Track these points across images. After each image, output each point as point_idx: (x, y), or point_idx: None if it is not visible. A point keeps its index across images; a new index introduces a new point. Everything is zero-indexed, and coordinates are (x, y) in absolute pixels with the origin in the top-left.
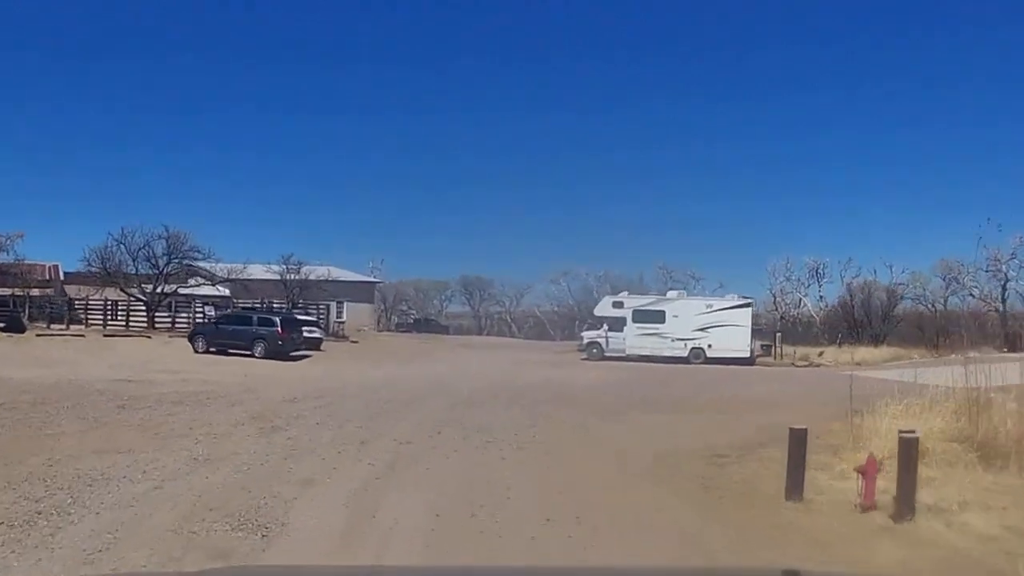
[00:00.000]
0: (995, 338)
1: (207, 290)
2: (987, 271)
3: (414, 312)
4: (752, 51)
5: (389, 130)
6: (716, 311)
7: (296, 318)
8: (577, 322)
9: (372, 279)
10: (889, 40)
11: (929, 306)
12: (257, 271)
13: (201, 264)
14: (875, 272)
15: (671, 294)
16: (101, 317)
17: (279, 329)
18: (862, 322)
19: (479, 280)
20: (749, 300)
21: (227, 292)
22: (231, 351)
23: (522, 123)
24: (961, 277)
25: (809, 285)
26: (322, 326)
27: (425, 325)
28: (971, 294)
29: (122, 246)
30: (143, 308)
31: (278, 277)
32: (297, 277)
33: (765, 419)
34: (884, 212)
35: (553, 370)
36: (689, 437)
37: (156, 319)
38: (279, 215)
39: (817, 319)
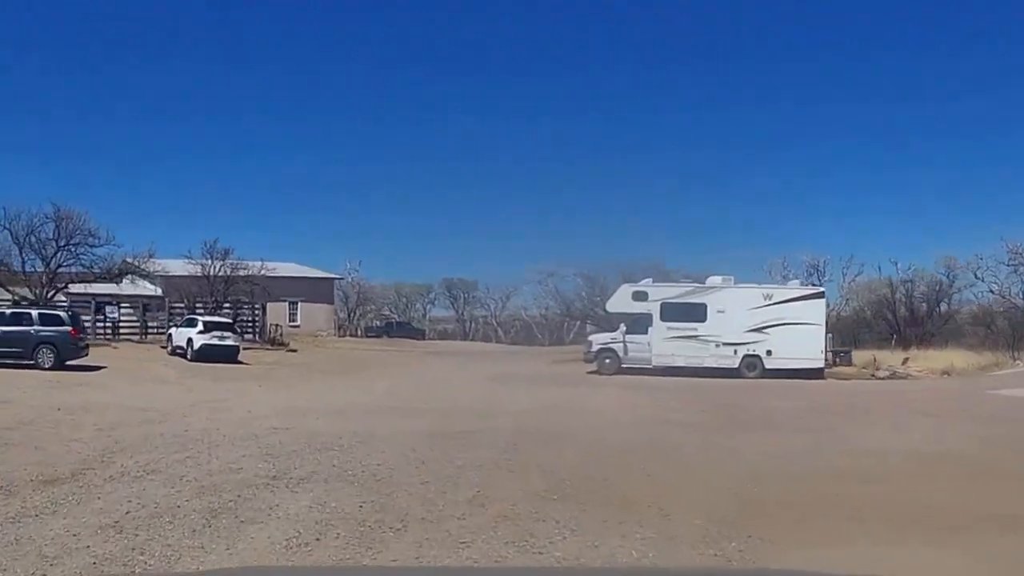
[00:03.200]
0: None
1: (120, 288)
2: (1008, 264)
3: (395, 316)
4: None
5: (367, 131)
6: (778, 304)
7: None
8: (565, 325)
9: (331, 275)
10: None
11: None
12: (176, 267)
13: (98, 252)
14: (879, 269)
15: (714, 280)
16: None
17: (71, 328)
18: (907, 321)
19: (462, 283)
20: (821, 289)
21: (158, 290)
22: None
23: (508, 126)
24: (980, 272)
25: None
26: (249, 330)
27: (398, 329)
28: (991, 290)
29: (7, 231)
30: None
31: (199, 272)
32: (223, 271)
33: None
34: (876, 211)
35: (550, 393)
36: None
37: None
38: (241, 215)
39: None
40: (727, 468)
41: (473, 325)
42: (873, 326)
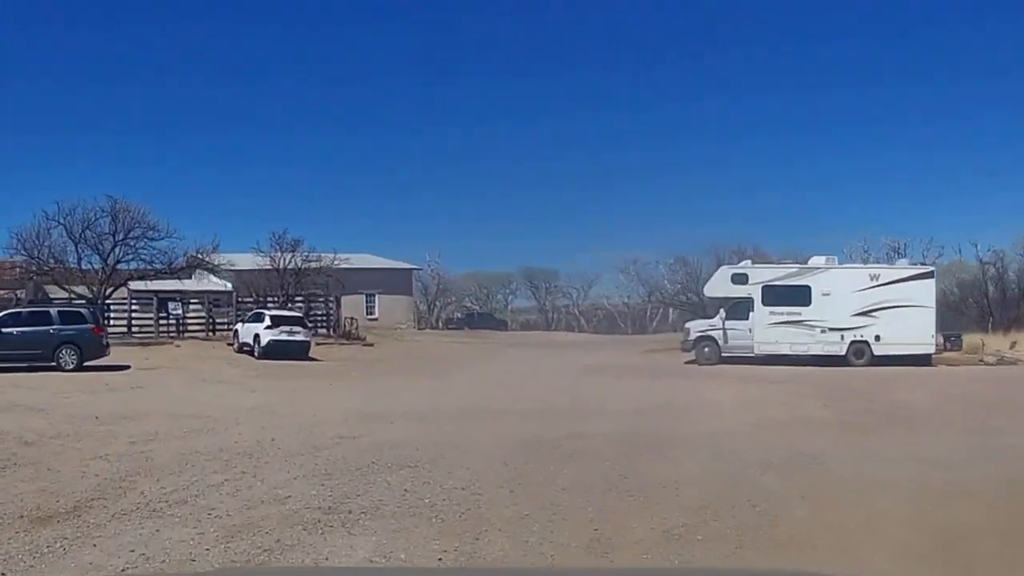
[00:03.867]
0: None
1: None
2: None
3: (476, 307)
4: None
5: (443, 122)
6: (885, 285)
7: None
8: (648, 313)
9: (410, 266)
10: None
11: None
12: (243, 260)
13: (158, 245)
14: (959, 251)
15: (816, 260)
16: None
17: (94, 326)
18: (998, 303)
19: (543, 272)
20: (931, 268)
21: (226, 285)
22: (20, 364)
23: (580, 121)
24: None
25: None
26: (322, 324)
27: (479, 320)
28: None
29: (62, 227)
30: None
31: (269, 265)
32: (293, 263)
33: None
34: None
35: (650, 387)
36: None
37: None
38: (310, 207)
39: None
40: (896, 484)
41: (555, 315)
42: (962, 309)
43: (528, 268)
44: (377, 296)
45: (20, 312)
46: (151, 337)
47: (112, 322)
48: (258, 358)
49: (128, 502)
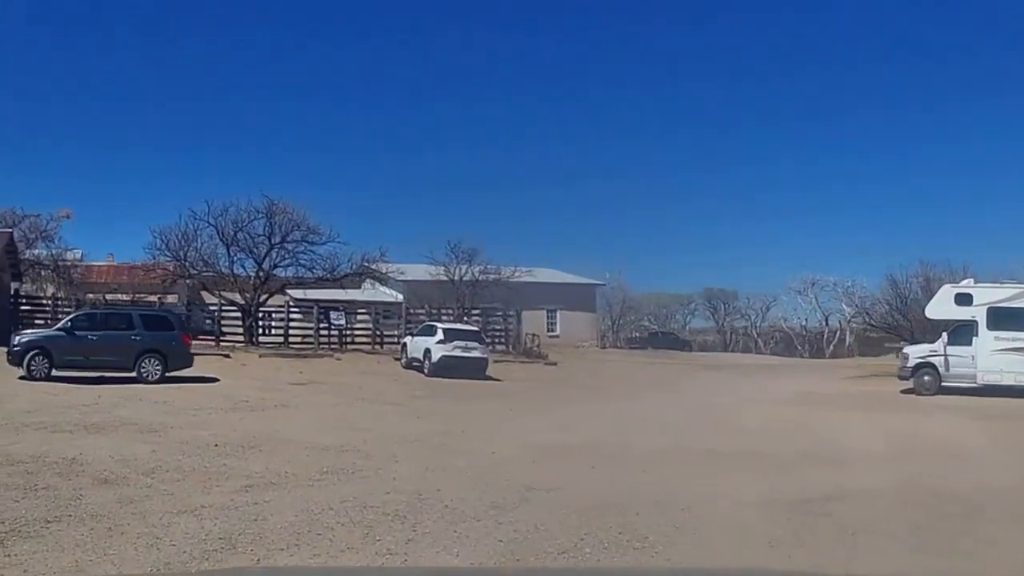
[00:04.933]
0: None
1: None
2: None
3: (653, 326)
4: None
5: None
6: None
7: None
8: (825, 336)
9: (592, 281)
10: None
11: None
12: (414, 271)
13: (319, 251)
14: None
15: None
16: None
17: (182, 334)
18: None
19: (723, 293)
20: None
21: (397, 296)
22: (95, 373)
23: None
24: None
25: None
26: (500, 340)
27: (661, 340)
28: None
29: (212, 228)
30: (237, 315)
31: (443, 275)
32: (470, 275)
33: None
34: None
35: (887, 422)
36: None
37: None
38: (485, 218)
39: None
40: None
41: (732, 336)
42: None
43: (709, 288)
44: (558, 312)
45: (95, 313)
46: (310, 349)
47: (267, 331)
48: (428, 375)
49: None
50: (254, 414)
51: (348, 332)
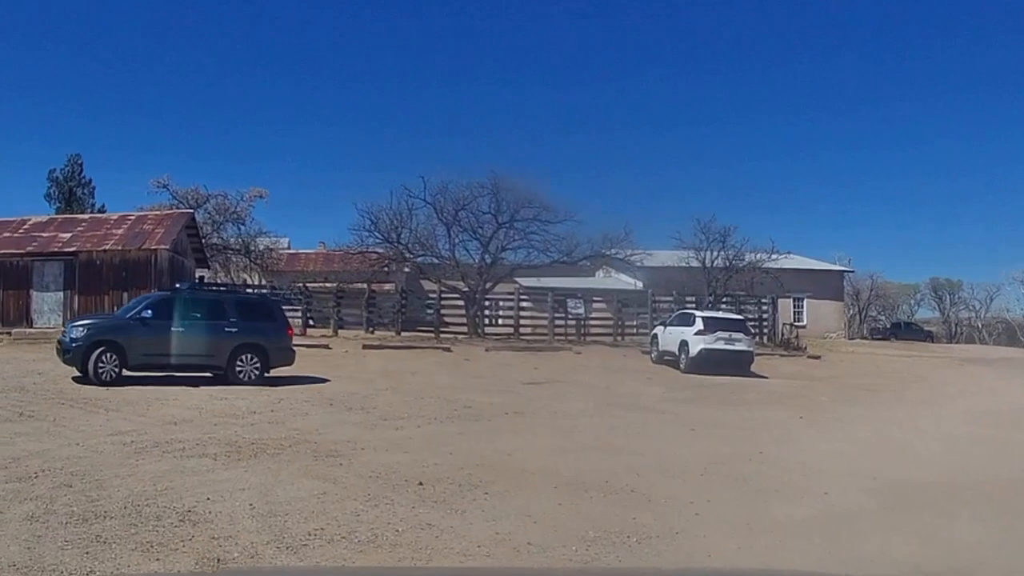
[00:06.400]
0: None
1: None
2: None
3: (881, 317)
4: None
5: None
6: None
7: None
8: None
9: (841, 268)
10: None
11: None
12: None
13: (555, 231)
14: None
15: None
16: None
17: (285, 326)
18: None
19: (948, 283)
20: None
21: (636, 284)
22: (177, 375)
23: None
24: None
25: None
26: (755, 330)
27: (905, 331)
28: None
29: (429, 207)
30: (460, 304)
31: (695, 259)
32: (722, 259)
33: None
34: None
35: None
36: None
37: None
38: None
39: None
40: None
41: (957, 327)
42: None
43: (935, 278)
44: (805, 300)
45: (172, 298)
46: (543, 341)
47: (493, 321)
48: (684, 371)
49: None
50: (478, 425)
51: (585, 322)
